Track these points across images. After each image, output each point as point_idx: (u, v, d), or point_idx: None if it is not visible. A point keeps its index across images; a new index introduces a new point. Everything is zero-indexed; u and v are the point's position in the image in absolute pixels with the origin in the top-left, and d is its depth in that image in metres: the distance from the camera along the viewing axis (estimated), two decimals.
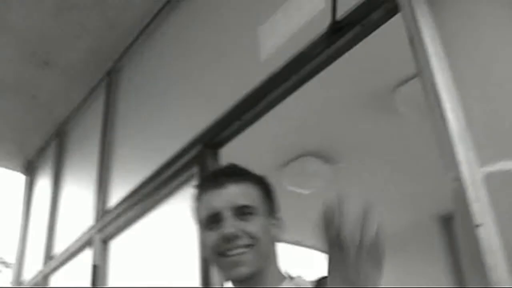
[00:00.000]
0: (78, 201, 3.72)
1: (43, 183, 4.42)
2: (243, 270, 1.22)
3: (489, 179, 1.32)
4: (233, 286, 1.28)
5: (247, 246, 1.23)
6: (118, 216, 2.98)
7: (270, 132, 3.06)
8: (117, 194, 3.10)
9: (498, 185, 1.31)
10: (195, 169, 2.41)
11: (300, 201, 3.53)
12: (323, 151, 3.44)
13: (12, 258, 4.76)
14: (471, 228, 1.28)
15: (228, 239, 1.22)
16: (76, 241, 3.41)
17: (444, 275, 4.05)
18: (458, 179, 1.34)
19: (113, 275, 3.00)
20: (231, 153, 2.39)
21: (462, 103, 1.43)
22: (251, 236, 1.24)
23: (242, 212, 1.26)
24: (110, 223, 3.06)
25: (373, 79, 2.89)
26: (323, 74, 2.05)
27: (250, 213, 1.26)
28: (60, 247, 3.72)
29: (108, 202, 3.20)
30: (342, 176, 3.61)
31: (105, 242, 3.09)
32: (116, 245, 3.05)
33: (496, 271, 1.21)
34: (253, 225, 1.25)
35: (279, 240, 1.33)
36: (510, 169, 1.31)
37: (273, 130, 3.05)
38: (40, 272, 3.88)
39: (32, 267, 4.09)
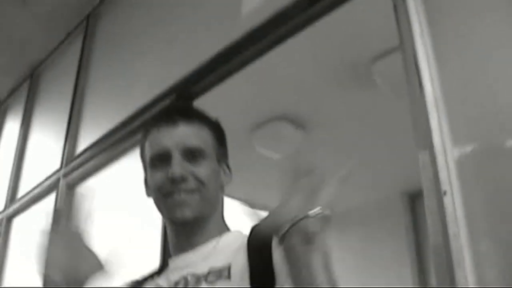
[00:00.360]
0: (47, 145, 3.68)
1: (13, 124, 4.35)
2: (187, 212, 1.17)
3: (459, 151, 1.34)
4: (174, 229, 1.24)
5: (194, 190, 1.18)
6: (85, 161, 2.95)
7: (245, 92, 3.03)
8: (86, 140, 3.07)
9: (467, 156, 1.33)
10: None
11: (268, 165, 3.55)
12: (296, 116, 3.43)
13: None
14: (437, 195, 1.30)
15: (175, 181, 1.16)
16: (41, 184, 3.38)
17: (406, 251, 4.13)
18: (429, 147, 1.35)
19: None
20: (204, 107, 2.37)
21: (440, 74, 1.43)
22: (199, 180, 1.18)
23: (192, 154, 1.20)
24: (76, 168, 3.03)
25: (353, 48, 2.88)
26: (302, 38, 2.03)
27: (201, 156, 1.20)
28: (25, 190, 3.68)
29: (76, 148, 3.17)
30: (313, 143, 3.62)
31: (70, 187, 3.07)
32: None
33: (458, 239, 1.24)
34: (202, 169, 1.19)
35: (224, 190, 1.28)
36: (481, 145, 1.33)
37: (248, 91, 3.03)
38: (2, 213, 3.84)
39: None
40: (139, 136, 2.50)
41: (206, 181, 1.19)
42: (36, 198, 3.45)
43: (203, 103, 2.35)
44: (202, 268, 1.14)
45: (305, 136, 3.54)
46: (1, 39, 3.88)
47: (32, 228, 3.45)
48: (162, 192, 1.19)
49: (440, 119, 1.36)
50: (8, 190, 3.89)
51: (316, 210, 0.91)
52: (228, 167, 1.30)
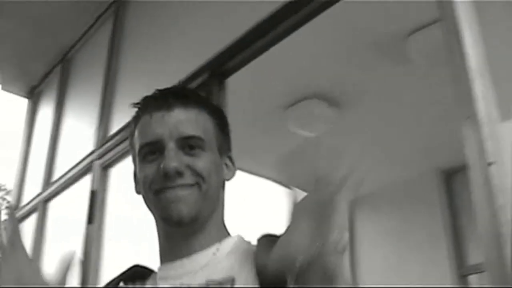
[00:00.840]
0: (80, 128, 3.71)
1: (46, 109, 4.40)
2: (183, 209, 0.99)
3: (506, 119, 1.29)
4: (166, 231, 1.07)
5: (191, 185, 1.01)
6: (119, 143, 2.96)
7: (277, 71, 3.02)
8: (119, 122, 3.08)
9: None
10: None
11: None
12: (329, 94, 3.40)
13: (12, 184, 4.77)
14: (483, 166, 1.25)
15: (169, 175, 0.99)
16: (76, 166, 3.41)
17: (442, 231, 4.07)
18: (473, 116, 1.29)
19: (113, 202, 3.00)
20: (237, 85, 2.36)
21: (485, 40, 1.38)
22: (197, 174, 1.01)
23: (190, 144, 1.03)
24: (110, 150, 3.04)
25: (386, 24, 2.83)
26: (335, 13, 1.99)
27: (199, 147, 1.03)
28: (60, 173, 3.73)
29: (109, 130, 3.18)
30: (347, 121, 3.59)
31: (105, 168, 3.09)
32: (117, 173, 3.05)
33: (506, 211, 1.19)
34: (201, 162, 1.02)
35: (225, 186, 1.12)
36: None
37: (280, 69, 3.01)
38: (38, 196, 3.90)
39: (32, 193, 4.11)
40: None
41: (206, 175, 1.02)
42: (71, 181, 3.49)
43: (236, 81, 2.33)
44: (198, 279, 0.99)
45: (339, 114, 3.51)
46: (33, 25, 3.91)
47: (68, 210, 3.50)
48: (153, 189, 1.02)
49: (485, 87, 1.31)
50: (44, 174, 3.94)
51: (335, 237, 0.75)
52: (231, 159, 1.14)
